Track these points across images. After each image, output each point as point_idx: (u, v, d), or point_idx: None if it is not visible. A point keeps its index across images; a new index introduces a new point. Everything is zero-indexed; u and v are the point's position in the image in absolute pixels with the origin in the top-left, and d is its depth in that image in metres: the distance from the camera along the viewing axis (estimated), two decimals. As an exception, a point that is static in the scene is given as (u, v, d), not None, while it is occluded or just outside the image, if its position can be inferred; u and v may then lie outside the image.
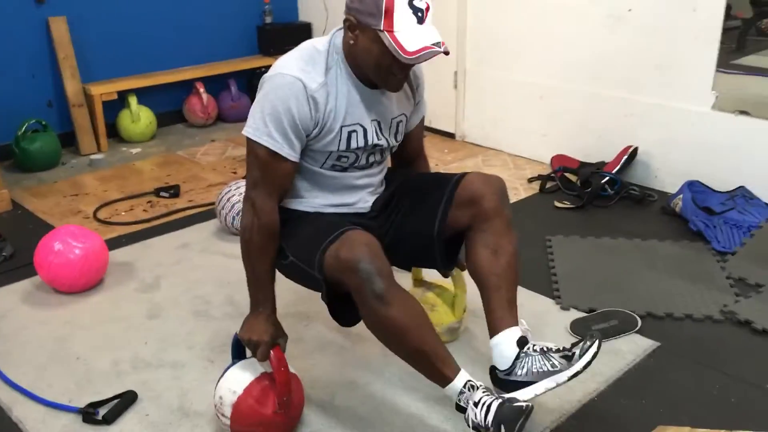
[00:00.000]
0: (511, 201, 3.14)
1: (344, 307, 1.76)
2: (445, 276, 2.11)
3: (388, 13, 1.56)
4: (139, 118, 4.17)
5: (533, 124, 3.76)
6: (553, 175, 3.44)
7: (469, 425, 1.63)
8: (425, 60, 1.63)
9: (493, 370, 1.80)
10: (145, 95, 4.22)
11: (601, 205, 3.19)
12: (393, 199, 1.95)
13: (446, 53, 1.62)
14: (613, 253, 2.75)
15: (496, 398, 1.61)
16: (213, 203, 3.11)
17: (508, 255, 1.84)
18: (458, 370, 1.67)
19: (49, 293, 2.53)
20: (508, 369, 1.75)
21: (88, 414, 1.90)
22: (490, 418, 1.57)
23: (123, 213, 3.25)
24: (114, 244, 2.89)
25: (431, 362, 1.66)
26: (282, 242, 1.82)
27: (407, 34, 1.58)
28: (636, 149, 3.30)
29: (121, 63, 4.17)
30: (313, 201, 1.86)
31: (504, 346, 1.76)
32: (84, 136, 4.03)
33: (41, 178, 3.69)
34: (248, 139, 1.71)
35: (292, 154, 1.71)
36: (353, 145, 1.78)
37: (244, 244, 1.76)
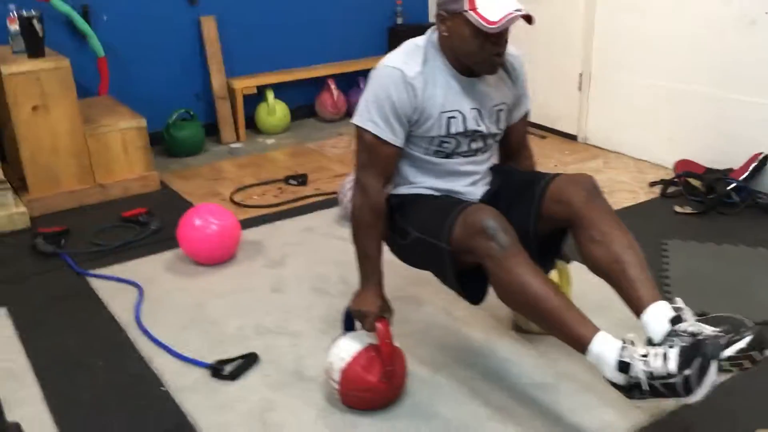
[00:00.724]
0: (629, 205, 3.22)
1: (469, 283, 1.86)
2: (547, 272, 2.15)
3: None
4: (275, 111, 4.47)
5: (659, 128, 3.70)
6: (676, 180, 3.37)
7: (644, 383, 1.54)
8: (509, 25, 1.74)
9: (648, 342, 1.70)
10: (281, 90, 4.51)
11: (725, 212, 3.10)
12: (498, 194, 2.03)
13: (527, 17, 1.74)
14: (733, 260, 2.69)
15: (669, 346, 1.53)
16: (336, 192, 3.31)
17: (619, 237, 1.81)
18: (597, 329, 1.63)
19: (188, 264, 2.81)
20: (657, 344, 1.63)
21: (216, 370, 2.12)
22: (673, 362, 1.50)
23: (256, 197, 3.52)
24: (246, 224, 3.15)
25: (567, 318, 1.65)
26: (402, 223, 1.96)
27: (488, 7, 1.72)
28: (767, 157, 3.18)
29: (261, 60, 4.49)
30: (423, 186, 1.98)
31: (654, 324, 1.65)
32: (225, 127, 4.37)
33: (186, 163, 4.05)
34: (356, 126, 1.88)
35: (394, 138, 1.86)
36: (453, 130, 1.89)
37: (354, 223, 1.92)
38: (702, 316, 2.30)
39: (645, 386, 1.55)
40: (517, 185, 2.00)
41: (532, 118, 4.36)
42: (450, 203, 1.86)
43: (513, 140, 2.14)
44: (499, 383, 2.04)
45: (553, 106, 4.28)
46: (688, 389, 1.50)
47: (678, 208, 3.16)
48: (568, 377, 2.03)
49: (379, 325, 1.85)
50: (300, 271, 2.72)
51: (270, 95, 4.45)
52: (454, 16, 1.79)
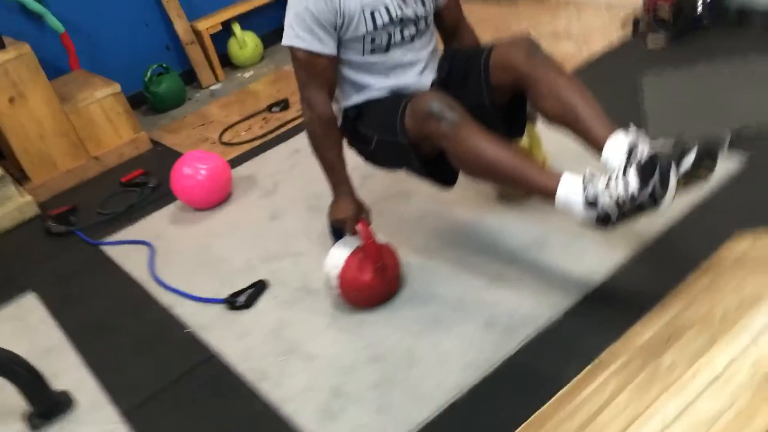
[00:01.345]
0: (606, 51, 3.18)
1: (437, 169, 1.93)
2: (519, 136, 2.20)
3: None
4: (245, 43, 4.46)
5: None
6: (647, 16, 3.31)
7: (613, 208, 1.57)
8: None
9: None
10: (247, 21, 4.48)
11: (697, 35, 3.06)
12: (447, 78, 2.06)
13: None
14: (708, 76, 2.69)
15: (627, 166, 1.56)
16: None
17: (564, 84, 1.83)
18: (560, 173, 1.67)
19: (189, 212, 2.93)
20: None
21: (230, 303, 2.27)
22: (633, 180, 1.53)
23: (243, 133, 3.59)
24: (238, 161, 3.23)
25: (527, 172, 1.70)
26: (362, 130, 2.02)
27: None
28: (730, -33, 3.10)
29: (218, -5, 4.45)
30: (373, 89, 2.02)
31: (613, 158, 1.67)
32: (202, 71, 4.39)
33: (173, 116, 4.11)
34: (288, 47, 1.91)
35: (322, 47, 1.90)
36: (379, 22, 1.91)
37: (310, 138, 1.99)
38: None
39: (614, 213, 1.59)
40: (463, 65, 2.03)
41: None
42: (398, 99, 1.91)
43: (448, 20, 2.15)
44: (491, 253, 2.14)
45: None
46: (654, 200, 1.52)
47: (651, 44, 3.13)
48: (553, 232, 2.12)
49: (359, 227, 1.95)
50: (294, 194, 2.81)
51: (237, 28, 4.43)
52: None
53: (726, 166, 2.18)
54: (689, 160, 1.57)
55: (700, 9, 3.07)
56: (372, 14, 1.91)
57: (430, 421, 1.66)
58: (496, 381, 1.72)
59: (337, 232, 2.10)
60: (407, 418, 1.68)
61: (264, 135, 3.45)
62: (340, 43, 1.95)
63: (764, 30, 2.92)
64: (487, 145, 1.75)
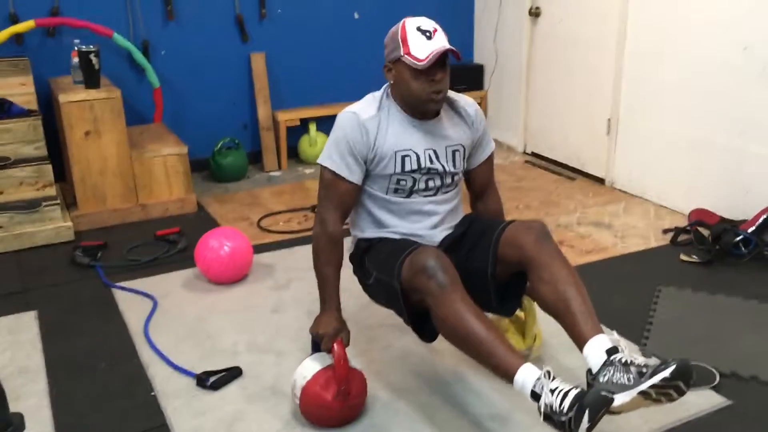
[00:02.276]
0: (640, 249, 3.26)
1: (423, 323, 2.03)
2: (509, 316, 2.25)
3: (404, 42, 1.96)
4: (316, 142, 4.72)
5: (679, 175, 3.72)
6: (688, 228, 3.39)
7: (541, 413, 1.68)
8: (438, 60, 1.94)
9: (588, 372, 1.83)
10: (323, 123, 4.75)
11: (731, 263, 3.10)
12: (460, 239, 2.18)
13: (453, 53, 1.94)
14: (722, 311, 2.70)
15: (574, 386, 1.66)
16: (353, 222, 3.49)
17: (564, 277, 1.93)
18: (524, 360, 1.76)
19: (202, 281, 3.05)
20: (594, 374, 1.77)
21: (200, 380, 2.33)
22: (567, 402, 1.62)
23: (281, 223, 3.75)
24: (265, 248, 3.37)
25: (494, 350, 1.78)
26: (367, 264, 2.16)
27: (419, 49, 1.95)
28: (778, 209, 3.16)
29: (306, 93, 4.75)
30: (389, 228, 2.15)
31: (593, 356, 1.78)
32: (268, 155, 4.65)
33: (227, 188, 4.33)
34: (320, 165, 2.09)
35: (349, 174, 2.06)
36: (407, 167, 2.07)
37: (314, 251, 2.11)
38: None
39: (543, 417, 1.68)
40: (478, 231, 2.15)
41: (564, 160, 4.48)
42: (404, 245, 2.03)
43: (478, 182, 2.30)
44: (456, 412, 2.15)
45: (583, 149, 4.34)
46: (570, 428, 1.61)
47: (684, 257, 3.17)
48: (518, 410, 2.11)
49: (335, 346, 2.01)
50: (302, 295, 2.90)
51: (312, 127, 4.70)
52: (395, 64, 2.01)
53: (707, 402, 2.16)
54: (662, 375, 1.62)
55: (737, 239, 3.11)
56: (403, 158, 2.05)
57: None
58: None
59: (317, 344, 2.16)
60: None
61: (299, 231, 3.59)
62: (368, 176, 2.10)
63: (796, 278, 2.94)
64: (466, 314, 1.83)
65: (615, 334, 1.85)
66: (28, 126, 3.44)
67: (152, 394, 2.29)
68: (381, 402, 2.21)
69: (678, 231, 3.38)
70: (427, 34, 1.96)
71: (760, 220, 3.14)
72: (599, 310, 2.63)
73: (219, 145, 4.42)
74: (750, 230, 3.13)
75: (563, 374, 2.27)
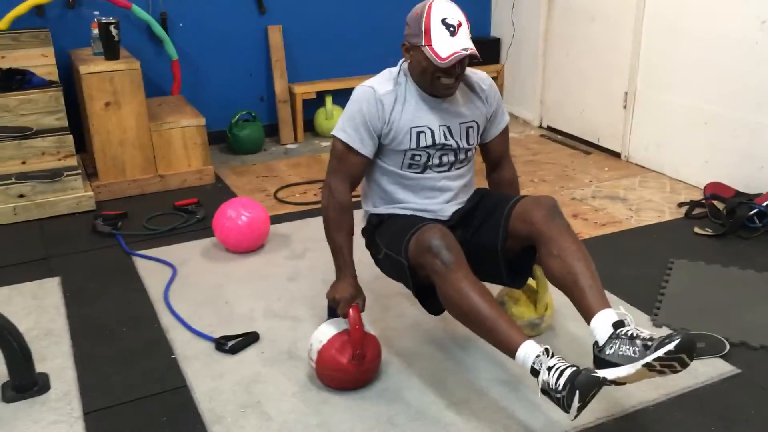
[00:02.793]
0: (654, 223, 3.27)
1: (430, 297, 2.07)
2: (519, 288, 2.28)
3: (427, 32, 1.96)
4: (332, 116, 4.74)
5: (696, 150, 3.71)
6: (703, 201, 3.39)
7: (538, 390, 1.74)
8: (457, 62, 1.96)
9: (595, 344, 1.86)
10: (339, 96, 4.77)
11: (745, 236, 3.11)
12: (470, 213, 2.21)
13: (474, 56, 1.95)
14: (734, 282, 2.72)
15: (571, 366, 1.71)
16: (369, 194, 3.52)
17: (573, 251, 1.96)
18: (526, 337, 1.81)
19: (220, 250, 3.11)
20: (601, 346, 1.81)
21: (219, 344, 2.39)
22: (561, 381, 1.67)
23: (297, 195, 3.79)
24: (281, 218, 3.42)
25: (497, 327, 1.83)
26: (377, 239, 2.21)
27: (441, 45, 1.95)
28: (794, 183, 3.16)
29: (322, 67, 4.77)
30: (401, 204, 2.20)
31: (600, 329, 1.83)
32: (285, 128, 4.68)
33: (244, 160, 4.38)
34: (333, 137, 2.13)
35: (361, 147, 2.09)
36: (422, 143, 2.10)
37: (324, 221, 2.16)
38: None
39: (541, 392, 1.73)
40: (489, 206, 2.19)
41: (580, 134, 4.49)
42: (412, 223, 2.07)
43: (494, 154, 2.33)
44: (467, 377, 2.20)
45: (600, 123, 4.34)
46: (564, 407, 1.67)
47: (698, 229, 3.18)
48: (530, 377, 2.15)
49: (350, 311, 2.05)
50: (317, 264, 2.95)
51: (328, 101, 4.72)
52: (415, 48, 2.03)
53: (716, 370, 2.19)
54: (666, 349, 1.65)
55: (752, 213, 3.12)
56: (418, 134, 2.09)
57: None
58: (422, 497, 1.76)
59: (333, 310, 2.21)
60: (327, 503, 1.73)
61: (314, 203, 3.63)
62: (382, 151, 2.14)
63: (809, 252, 2.94)
64: (470, 292, 1.88)
65: (621, 309, 1.89)
66: (50, 97, 3.50)
67: (172, 357, 2.36)
68: (394, 367, 2.26)
69: (693, 204, 3.39)
70: (451, 29, 1.96)
71: (775, 193, 3.14)
72: (612, 281, 2.69)
73: (236, 118, 4.46)
74: (765, 204, 3.14)
75: (572, 343, 2.32)
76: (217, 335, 2.44)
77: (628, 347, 1.74)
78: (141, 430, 2.02)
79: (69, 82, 3.97)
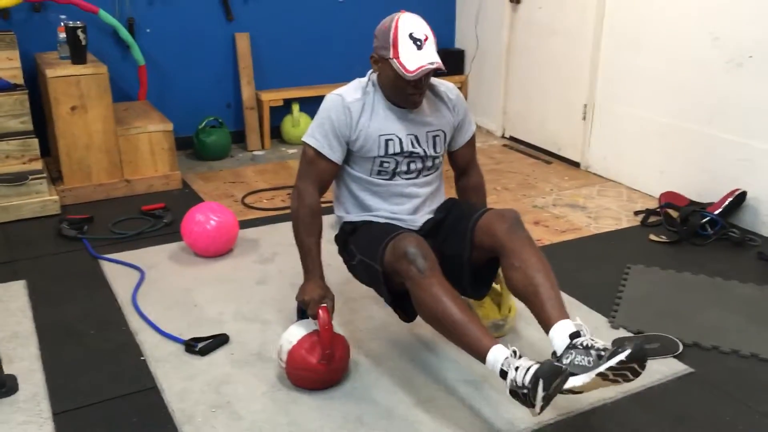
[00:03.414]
0: (611, 230, 3.39)
1: (403, 304, 2.14)
2: (480, 299, 2.37)
3: (395, 45, 2.04)
4: (299, 123, 4.79)
5: (652, 160, 3.85)
6: (658, 210, 3.52)
7: (507, 390, 1.79)
8: (423, 75, 2.04)
9: (553, 354, 1.95)
10: (306, 104, 4.82)
11: (697, 243, 3.24)
12: (439, 224, 2.29)
13: (439, 69, 2.04)
14: (688, 287, 2.84)
15: (537, 362, 1.77)
16: (336, 200, 3.57)
17: (534, 263, 2.04)
18: (496, 341, 1.87)
19: (188, 254, 3.13)
20: (558, 357, 1.88)
21: (189, 345, 2.41)
22: (528, 376, 1.73)
23: (265, 201, 3.83)
24: (249, 224, 3.46)
25: (468, 331, 1.89)
26: (351, 246, 2.27)
27: (408, 58, 2.03)
28: (744, 193, 3.31)
29: (289, 74, 4.82)
30: (373, 212, 2.26)
31: (557, 339, 1.91)
32: (251, 135, 4.71)
33: (211, 166, 4.39)
34: (303, 143, 2.20)
35: (331, 153, 2.17)
36: (390, 150, 2.17)
37: (294, 224, 2.22)
38: (638, 334, 2.50)
39: (510, 393, 1.80)
40: (455, 218, 2.26)
41: (541, 144, 4.61)
42: (387, 230, 2.14)
43: (461, 161, 2.42)
44: (434, 377, 2.26)
45: (560, 134, 4.47)
46: (530, 402, 1.74)
47: (653, 237, 3.31)
48: (495, 377, 2.22)
49: (320, 312, 2.10)
50: (285, 268, 2.99)
51: (295, 108, 4.77)
52: (383, 60, 2.11)
53: (671, 369, 2.30)
54: (618, 359, 1.73)
55: (704, 221, 3.25)
56: (386, 142, 2.17)
57: (317, 508, 1.76)
58: (390, 492, 1.81)
59: (302, 310, 2.25)
60: (298, 498, 1.78)
61: (283, 208, 3.67)
62: (352, 158, 2.22)
63: (757, 260, 3.08)
64: (444, 298, 1.95)
65: (578, 320, 1.95)
66: (15, 100, 3.47)
67: (142, 359, 2.37)
68: (363, 367, 2.31)
69: (648, 213, 3.52)
70: (418, 43, 2.04)
71: (726, 203, 3.29)
72: (572, 285, 2.79)
73: (203, 124, 4.47)
74: (716, 212, 3.28)
75: (534, 345, 2.40)
76: (186, 337, 2.46)
77: (583, 357, 1.81)
78: (112, 430, 2.03)
79: (34, 86, 3.94)
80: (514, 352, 1.83)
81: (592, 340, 1.85)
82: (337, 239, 2.36)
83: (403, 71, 2.03)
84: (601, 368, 1.74)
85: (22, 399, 2.15)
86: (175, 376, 2.27)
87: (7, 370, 2.23)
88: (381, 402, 2.14)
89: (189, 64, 4.54)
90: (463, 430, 2.02)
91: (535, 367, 1.75)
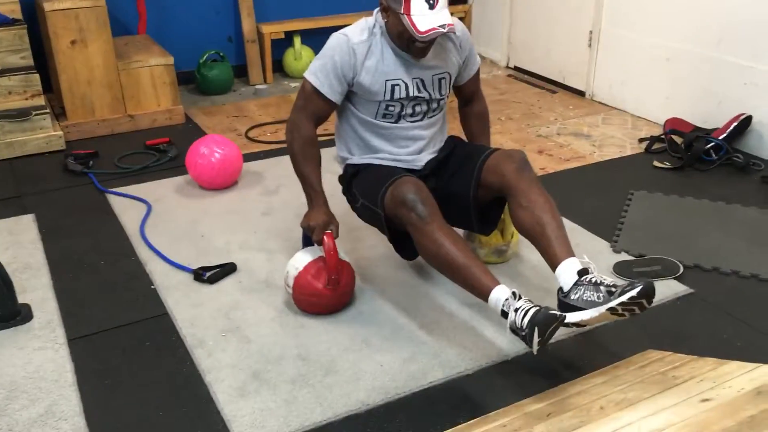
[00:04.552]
0: (615, 157, 3.39)
1: (405, 244, 2.17)
2: (487, 235, 2.39)
3: (406, 0, 1.97)
4: (301, 56, 4.74)
5: (658, 87, 3.81)
6: (663, 136, 3.51)
7: (508, 329, 1.87)
8: (433, 38, 2.01)
9: (559, 290, 1.99)
10: (308, 36, 4.76)
11: (701, 168, 3.24)
12: (443, 163, 2.30)
13: (451, 32, 2.00)
14: (690, 211, 2.86)
15: (535, 305, 1.82)
16: (340, 132, 3.57)
17: (541, 204, 2.06)
18: (498, 282, 1.92)
19: (194, 187, 3.15)
20: (566, 292, 1.92)
21: (197, 274, 2.46)
22: (525, 320, 1.79)
23: (269, 134, 3.83)
24: (253, 157, 3.47)
25: (471, 274, 1.95)
26: (354, 189, 2.29)
27: (420, 18, 1.98)
28: (749, 118, 3.29)
29: (290, 6, 4.74)
30: (376, 154, 2.27)
31: (565, 276, 1.94)
32: (253, 69, 4.67)
33: (214, 101, 4.37)
34: (303, 78, 2.20)
35: (330, 93, 2.16)
36: (396, 95, 2.17)
37: (291, 155, 2.24)
38: (640, 257, 2.53)
39: (510, 331, 1.86)
40: (462, 156, 2.27)
41: (546, 74, 4.56)
42: (387, 174, 2.15)
43: (466, 93, 2.43)
44: (437, 302, 2.31)
45: (565, 62, 4.41)
46: (528, 342, 1.80)
47: (657, 163, 3.31)
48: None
49: (324, 238, 2.14)
50: (290, 199, 3.01)
51: (297, 41, 4.71)
52: (392, 11, 2.04)
53: (671, 290, 2.34)
54: (629, 295, 1.78)
55: (708, 146, 3.25)
56: (392, 87, 2.15)
57: (324, 424, 1.82)
58: (394, 409, 1.87)
59: (307, 238, 2.28)
60: (306, 415, 1.84)
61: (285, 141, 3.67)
62: (357, 100, 2.21)
63: (761, 184, 3.08)
64: (445, 242, 1.98)
65: (585, 258, 1.98)
66: (14, 35, 3.44)
67: (152, 287, 2.42)
68: (368, 293, 2.36)
69: (653, 139, 3.51)
70: (431, 2, 1.98)
71: (731, 127, 3.27)
72: (575, 211, 2.81)
73: (204, 58, 4.43)
74: (721, 137, 3.27)
75: (536, 268, 2.44)
76: (194, 267, 2.50)
77: (592, 293, 1.86)
78: (125, 353, 2.10)
79: (32, 21, 3.90)
80: (514, 293, 1.88)
81: (601, 276, 1.90)
82: (341, 180, 2.39)
83: (414, 31, 1.98)
84: (612, 303, 1.79)
85: (37, 326, 2.21)
86: (185, 303, 2.32)
87: (21, 300, 2.29)
88: (386, 325, 2.20)
89: (188, -3, 4.47)
90: (467, 350, 2.07)
91: (533, 311, 1.80)
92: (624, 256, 2.54)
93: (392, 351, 2.08)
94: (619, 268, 2.44)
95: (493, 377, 1.98)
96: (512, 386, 1.94)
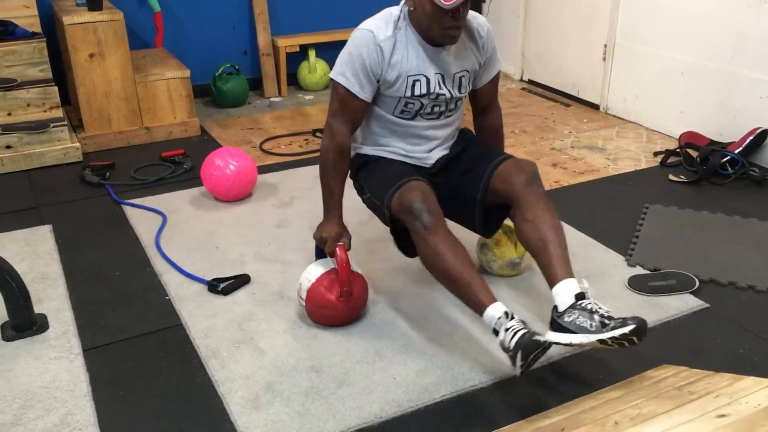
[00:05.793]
0: (629, 171, 3.37)
1: (408, 242, 2.17)
2: (488, 237, 2.40)
3: None
4: (315, 69, 4.77)
5: (672, 100, 3.80)
6: (678, 150, 3.50)
7: (498, 346, 1.89)
8: (461, 4, 1.97)
9: (554, 309, 1.99)
10: (322, 50, 4.80)
11: (717, 182, 3.23)
12: (453, 161, 2.29)
13: None
14: (706, 225, 2.84)
15: (524, 328, 1.84)
16: (354, 144, 3.59)
17: (547, 220, 2.05)
18: (494, 300, 1.93)
19: (209, 199, 3.17)
20: (560, 312, 1.94)
21: (212, 285, 2.47)
22: (513, 342, 1.81)
23: (283, 146, 3.85)
24: (268, 168, 3.48)
25: (469, 289, 1.95)
26: (362, 181, 2.28)
27: None
28: (765, 131, 3.27)
29: (305, 20, 4.78)
30: (387, 147, 2.26)
31: (562, 296, 1.94)
32: (268, 82, 4.70)
33: (229, 113, 4.41)
34: (332, 79, 2.16)
35: (361, 92, 2.13)
36: (417, 92, 2.15)
37: (322, 162, 2.21)
38: (655, 271, 2.52)
39: (501, 349, 1.87)
40: (474, 157, 2.27)
41: (560, 87, 4.56)
42: (396, 173, 2.15)
43: (482, 100, 2.38)
44: (450, 314, 2.30)
45: (579, 76, 4.41)
46: (512, 363, 1.81)
47: (672, 177, 3.29)
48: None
49: (337, 250, 2.14)
50: (304, 211, 3.03)
51: (312, 54, 4.74)
52: None
53: (687, 304, 2.32)
54: (621, 331, 1.78)
55: (724, 160, 3.23)
56: (414, 82, 2.14)
57: (338, 435, 1.82)
58: (407, 422, 1.87)
59: (320, 250, 2.29)
60: (319, 427, 1.84)
61: (300, 154, 3.69)
62: (377, 95, 2.19)
63: (778, 197, 3.07)
64: (447, 254, 1.98)
65: (585, 283, 1.98)
66: (33, 48, 3.49)
67: (167, 298, 2.44)
68: (381, 305, 2.36)
69: (668, 153, 3.50)
70: None
71: (747, 141, 3.25)
72: (589, 225, 2.81)
73: (220, 71, 4.47)
74: (737, 151, 3.25)
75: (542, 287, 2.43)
76: (209, 278, 2.52)
77: (586, 319, 1.85)
78: (140, 363, 2.11)
79: (51, 34, 3.96)
80: (506, 313, 1.88)
81: (597, 304, 1.89)
82: (350, 167, 2.35)
83: (442, 1, 1.95)
84: (604, 335, 1.79)
85: (52, 336, 2.23)
86: (199, 314, 2.33)
87: (37, 310, 2.31)
88: (399, 337, 2.20)
89: (205, 11, 4.52)
90: (480, 364, 2.06)
91: (520, 333, 1.81)
92: (639, 270, 2.53)
93: (405, 363, 2.08)
94: (634, 282, 2.43)
95: (506, 391, 1.98)
96: (525, 400, 1.93)
